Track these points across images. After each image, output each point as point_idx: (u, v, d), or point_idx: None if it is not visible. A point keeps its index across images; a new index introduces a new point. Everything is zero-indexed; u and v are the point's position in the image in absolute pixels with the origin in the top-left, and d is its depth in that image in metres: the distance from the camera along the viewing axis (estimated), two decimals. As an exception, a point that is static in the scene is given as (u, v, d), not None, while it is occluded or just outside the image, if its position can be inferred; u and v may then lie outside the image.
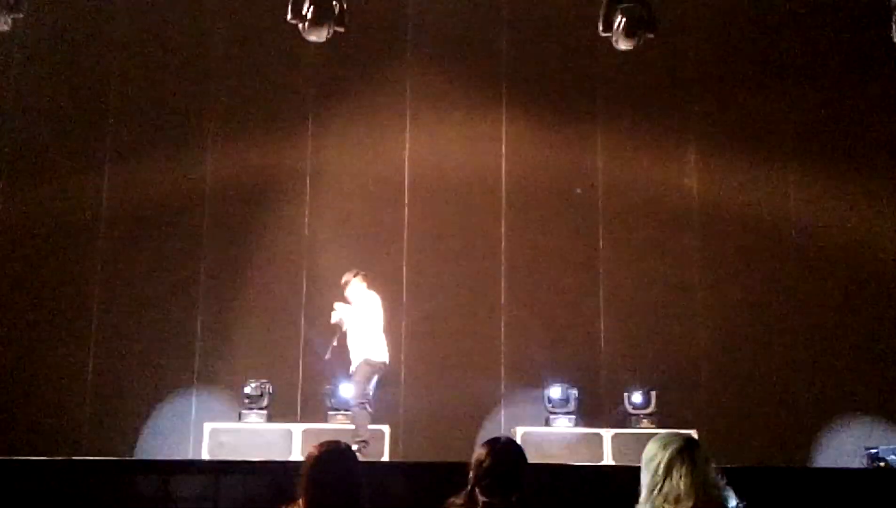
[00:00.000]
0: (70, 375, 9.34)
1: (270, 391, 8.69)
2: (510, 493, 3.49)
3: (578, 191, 10.04)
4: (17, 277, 9.59)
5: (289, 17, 8.68)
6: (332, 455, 3.50)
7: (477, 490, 3.50)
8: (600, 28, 8.98)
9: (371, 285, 8.08)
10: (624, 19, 8.73)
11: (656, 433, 3.21)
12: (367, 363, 7.72)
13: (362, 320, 7.86)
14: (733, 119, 10.21)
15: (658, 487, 2.96)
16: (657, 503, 2.95)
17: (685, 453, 2.99)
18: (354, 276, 8.08)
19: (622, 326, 9.77)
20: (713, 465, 3.03)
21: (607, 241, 10.00)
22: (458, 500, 3.51)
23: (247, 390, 8.63)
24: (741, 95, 10.26)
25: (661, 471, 2.98)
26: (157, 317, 9.62)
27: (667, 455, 2.99)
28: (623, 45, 8.89)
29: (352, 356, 7.84)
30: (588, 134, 10.17)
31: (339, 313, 7.94)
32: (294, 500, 3.46)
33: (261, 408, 8.58)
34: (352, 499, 3.43)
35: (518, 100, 10.21)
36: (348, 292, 8.05)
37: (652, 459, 3.03)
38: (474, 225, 10.06)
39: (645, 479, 3.02)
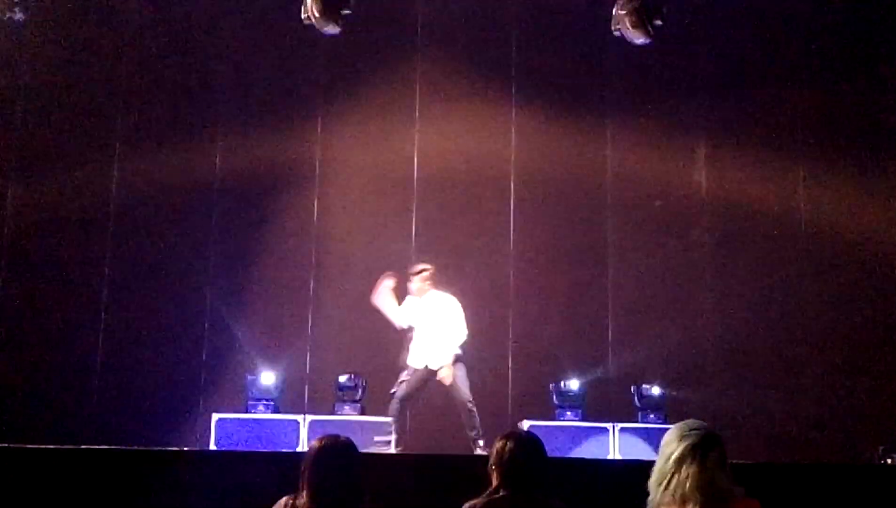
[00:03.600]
0: (78, 365, 9.39)
1: (279, 381, 8.69)
2: (533, 487, 3.48)
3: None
4: (25, 267, 9.62)
5: (302, 16, 8.67)
6: (334, 448, 3.54)
7: (501, 487, 3.49)
8: (612, 24, 8.97)
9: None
10: (632, 9, 8.71)
11: (663, 428, 3.15)
12: (429, 369, 7.83)
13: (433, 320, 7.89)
14: (743, 114, 10.18)
15: (667, 480, 2.89)
16: (665, 500, 2.90)
17: (698, 451, 2.90)
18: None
19: (630, 320, 9.77)
20: (726, 467, 2.95)
21: (616, 235, 9.99)
22: (482, 497, 3.49)
23: (255, 380, 8.63)
24: (751, 90, 10.22)
25: (671, 463, 2.90)
26: (166, 308, 9.65)
27: (680, 449, 2.90)
28: (633, 35, 8.87)
29: (415, 355, 7.86)
30: (597, 128, 10.16)
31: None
32: (298, 491, 3.49)
33: (269, 399, 8.58)
34: (353, 491, 3.46)
35: (527, 93, 10.19)
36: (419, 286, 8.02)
37: (667, 446, 2.95)
38: (483, 218, 10.05)
39: (658, 464, 2.94)
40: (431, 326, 7.89)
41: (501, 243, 9.92)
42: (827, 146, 10.08)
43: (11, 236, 9.65)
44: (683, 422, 3.02)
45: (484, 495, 3.52)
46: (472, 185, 10.08)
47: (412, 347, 7.94)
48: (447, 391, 7.96)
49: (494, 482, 3.51)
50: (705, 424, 3.03)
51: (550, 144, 10.15)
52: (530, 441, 3.62)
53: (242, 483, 5.79)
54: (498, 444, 3.59)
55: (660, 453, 2.96)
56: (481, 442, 7.59)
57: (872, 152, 10.04)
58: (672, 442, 2.94)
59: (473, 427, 7.72)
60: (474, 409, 7.80)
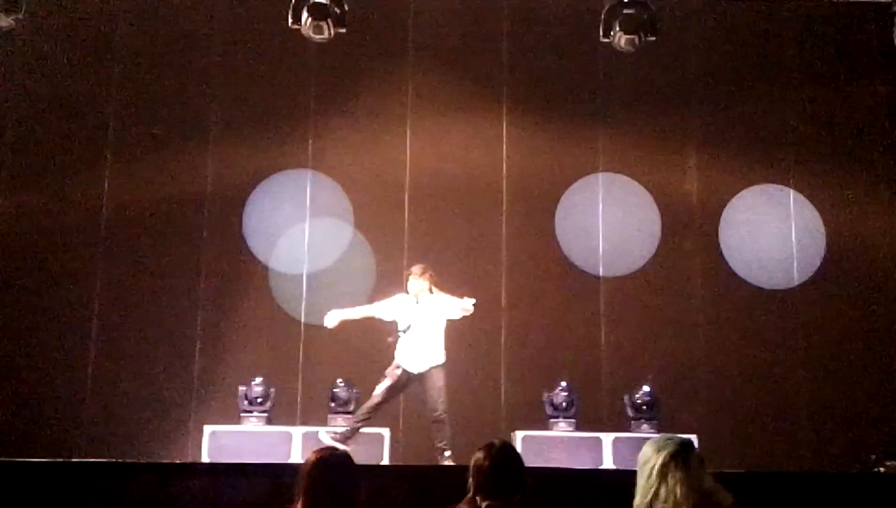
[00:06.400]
0: (70, 376, 9.34)
1: (271, 393, 8.67)
2: (511, 496, 3.50)
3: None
4: (17, 277, 9.59)
5: (290, 22, 8.74)
6: (331, 461, 3.53)
7: (478, 495, 3.52)
8: (601, 33, 9.03)
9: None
10: (625, 22, 8.78)
11: (656, 438, 3.20)
12: (443, 367, 7.70)
13: (437, 317, 7.77)
14: (734, 123, 10.21)
15: (653, 492, 2.96)
16: None
17: (679, 457, 2.99)
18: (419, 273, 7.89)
19: (623, 329, 9.77)
20: (707, 470, 3.03)
21: (607, 243, 9.99)
22: (460, 506, 3.53)
23: (247, 392, 8.61)
24: (742, 99, 10.26)
25: (654, 476, 2.98)
26: (157, 319, 9.62)
27: (660, 460, 2.99)
28: (624, 47, 8.94)
29: (421, 356, 7.72)
30: (589, 137, 10.17)
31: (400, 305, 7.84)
32: (293, 504, 3.48)
33: (261, 411, 8.56)
34: (349, 503, 3.45)
35: (519, 102, 10.21)
36: (421, 286, 7.82)
37: (646, 462, 3.03)
38: (475, 227, 10.05)
39: (639, 482, 3.03)
40: (429, 328, 7.80)
41: (493, 251, 9.92)
42: (819, 154, 10.12)
43: (2, 245, 9.60)
44: (654, 439, 3.11)
45: (461, 503, 3.54)
46: (464, 192, 10.09)
47: (406, 350, 7.80)
48: (422, 397, 7.72)
49: (471, 492, 3.54)
50: (676, 435, 3.10)
51: (541, 152, 10.16)
52: (505, 451, 3.65)
53: (235, 496, 5.78)
54: (475, 455, 3.63)
55: (639, 472, 3.05)
56: (447, 453, 7.44)
57: (865, 159, 10.08)
58: (650, 458, 3.02)
59: (442, 439, 7.48)
60: (445, 420, 7.55)
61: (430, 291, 7.79)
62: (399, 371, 7.70)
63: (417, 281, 7.81)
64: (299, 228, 9.93)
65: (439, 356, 7.70)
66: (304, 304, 9.71)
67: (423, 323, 7.74)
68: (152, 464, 6.92)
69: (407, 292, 7.85)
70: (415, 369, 7.66)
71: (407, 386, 7.79)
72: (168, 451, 9.00)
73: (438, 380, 7.63)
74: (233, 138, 10.04)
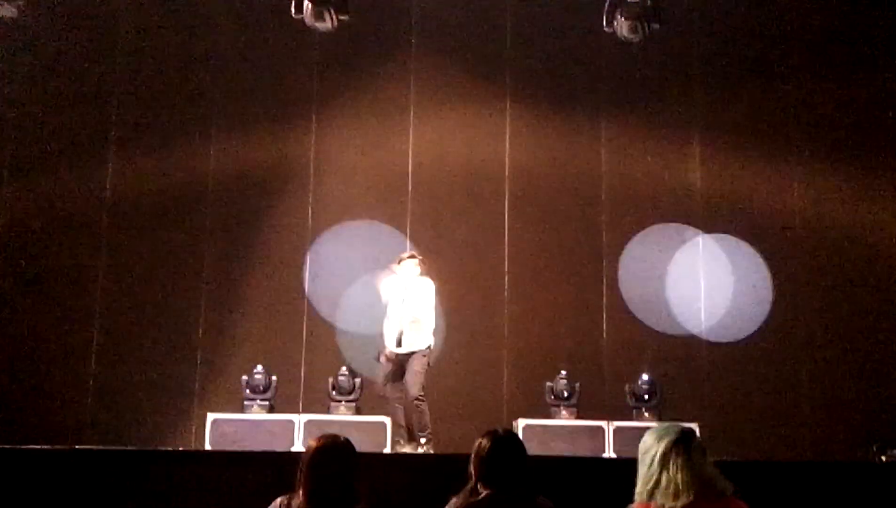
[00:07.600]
0: (73, 366, 9.38)
1: (273, 381, 8.68)
2: (512, 484, 3.50)
3: None
4: (19, 269, 9.60)
5: (292, 11, 8.74)
6: (331, 448, 3.54)
7: (479, 484, 3.52)
8: (604, 22, 9.01)
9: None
10: (628, 10, 8.77)
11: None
12: (424, 353, 7.66)
13: (420, 302, 7.77)
14: (737, 113, 10.18)
15: (654, 480, 2.96)
16: (657, 497, 2.94)
17: (680, 445, 2.98)
18: (410, 258, 7.95)
19: (625, 318, 9.77)
20: (709, 457, 3.03)
21: (610, 234, 9.99)
22: (461, 495, 3.53)
23: (249, 380, 8.63)
24: (745, 89, 10.24)
25: (656, 464, 2.97)
26: (161, 308, 9.65)
27: (661, 448, 2.98)
28: (628, 36, 8.93)
29: (405, 340, 7.73)
30: (592, 127, 10.16)
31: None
32: (294, 491, 3.49)
33: (264, 399, 8.58)
34: (350, 491, 3.46)
35: (522, 92, 10.20)
36: (402, 272, 7.86)
37: (647, 451, 3.02)
38: (477, 217, 10.06)
39: (641, 471, 3.03)
40: (413, 310, 7.81)
41: (496, 241, 9.92)
42: (822, 144, 10.09)
43: (5, 238, 9.62)
44: (654, 427, 3.10)
45: (463, 492, 3.53)
46: (466, 183, 10.10)
47: (394, 332, 7.81)
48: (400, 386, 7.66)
49: (473, 480, 3.54)
50: (678, 423, 3.09)
51: (545, 143, 10.16)
52: (507, 440, 3.65)
53: (237, 484, 5.79)
54: (477, 442, 3.62)
55: (640, 461, 3.04)
56: (423, 440, 7.46)
57: (868, 150, 10.05)
58: (651, 447, 3.01)
59: (424, 427, 7.49)
60: (425, 407, 7.57)
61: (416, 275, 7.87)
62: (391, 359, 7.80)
63: (406, 266, 7.91)
64: (303, 219, 9.93)
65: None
66: (306, 293, 9.72)
67: (411, 304, 7.82)
68: (155, 452, 6.94)
69: None
70: (406, 349, 7.74)
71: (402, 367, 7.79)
72: (171, 439, 9.03)
73: (420, 363, 7.64)
74: (235, 128, 10.05)
